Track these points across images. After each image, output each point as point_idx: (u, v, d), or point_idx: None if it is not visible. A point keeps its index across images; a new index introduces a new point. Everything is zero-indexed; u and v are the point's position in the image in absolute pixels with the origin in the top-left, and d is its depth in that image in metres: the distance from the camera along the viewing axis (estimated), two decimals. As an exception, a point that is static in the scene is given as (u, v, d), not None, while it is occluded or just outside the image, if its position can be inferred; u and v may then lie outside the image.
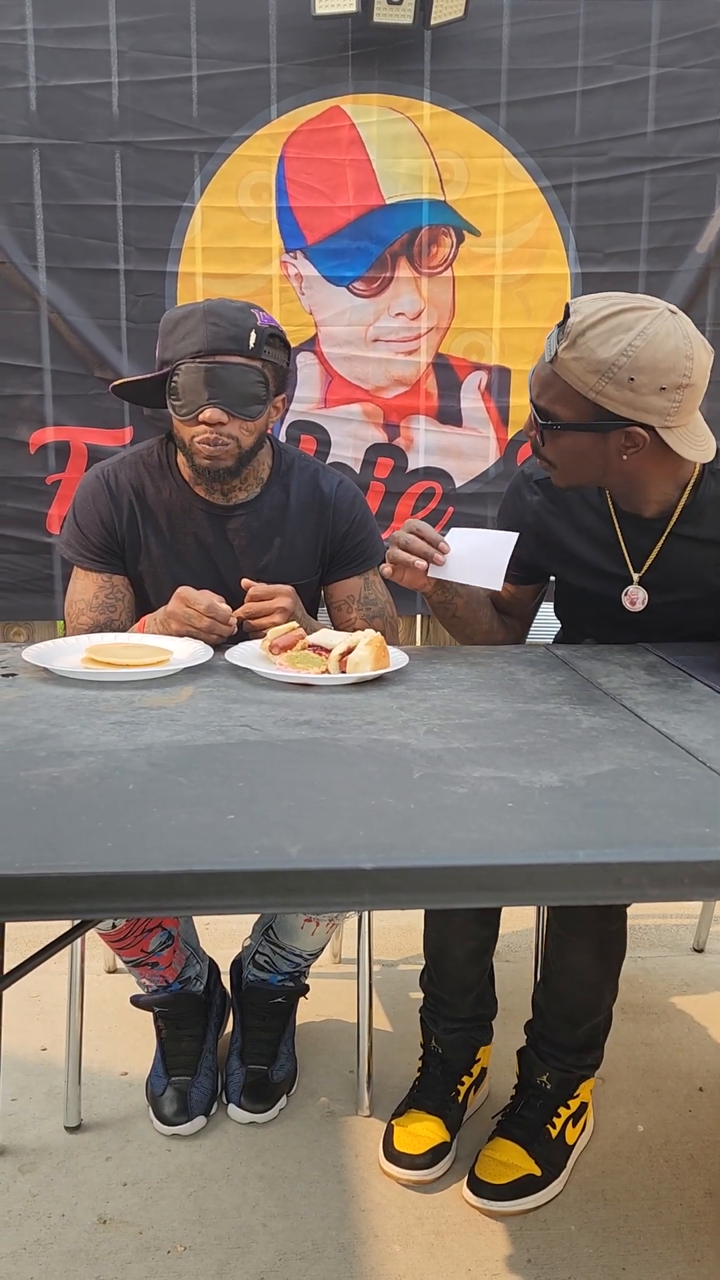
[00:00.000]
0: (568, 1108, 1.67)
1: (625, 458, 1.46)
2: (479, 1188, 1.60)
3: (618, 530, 1.63)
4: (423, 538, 1.58)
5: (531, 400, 1.51)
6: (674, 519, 1.58)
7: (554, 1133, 1.65)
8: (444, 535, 1.60)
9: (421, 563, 1.57)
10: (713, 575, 1.60)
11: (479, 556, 1.57)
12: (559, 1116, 1.66)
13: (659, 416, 1.41)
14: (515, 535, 1.58)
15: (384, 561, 1.63)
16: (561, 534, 1.69)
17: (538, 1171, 1.61)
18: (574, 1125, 1.68)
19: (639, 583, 1.62)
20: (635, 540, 1.62)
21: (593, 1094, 1.76)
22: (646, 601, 1.63)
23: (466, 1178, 1.62)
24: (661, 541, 1.59)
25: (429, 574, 1.58)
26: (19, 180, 2.52)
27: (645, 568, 1.61)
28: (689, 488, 1.57)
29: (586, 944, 1.62)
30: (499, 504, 2.73)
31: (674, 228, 2.64)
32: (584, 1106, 1.71)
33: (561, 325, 1.42)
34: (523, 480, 1.74)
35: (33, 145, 2.51)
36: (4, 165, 2.51)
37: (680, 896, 0.86)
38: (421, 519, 2.71)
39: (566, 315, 1.42)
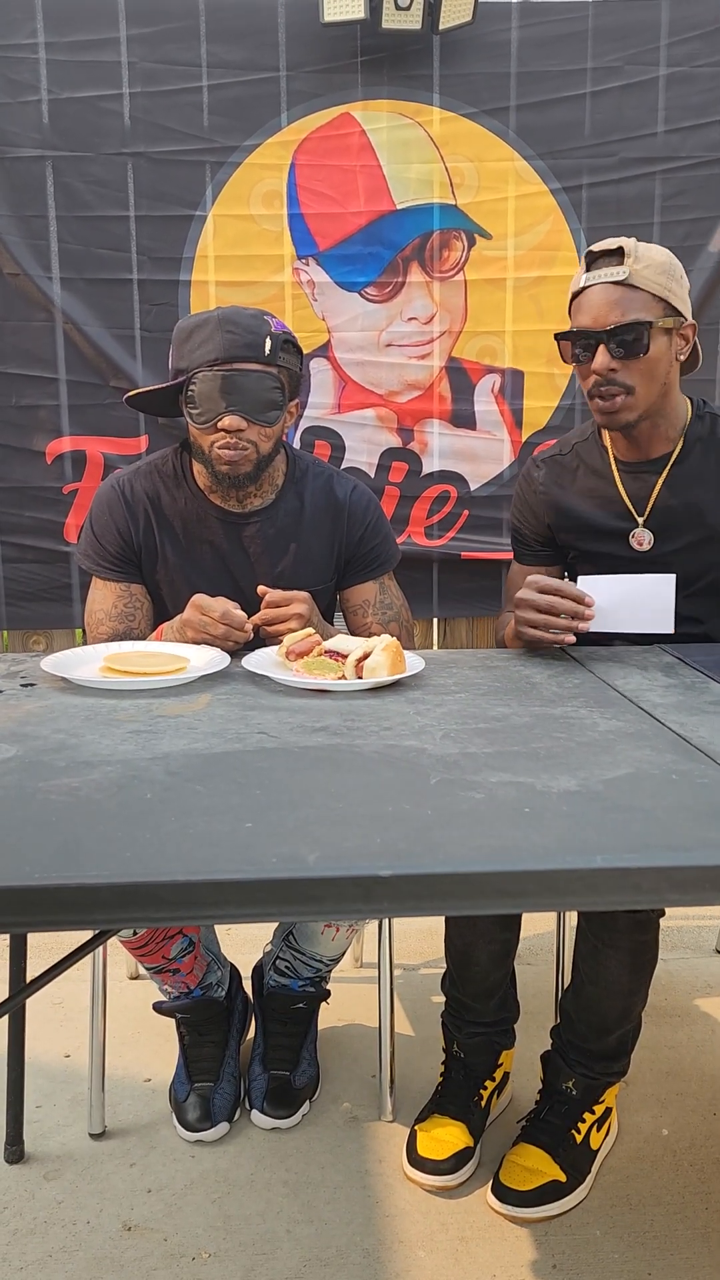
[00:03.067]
0: (592, 1113, 1.67)
1: (679, 359, 1.66)
2: (504, 1194, 1.59)
3: (618, 483, 1.74)
4: (565, 595, 1.54)
5: (606, 330, 1.59)
6: (672, 459, 1.71)
7: (579, 1138, 1.64)
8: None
9: (570, 637, 1.54)
10: (708, 513, 1.71)
11: (635, 600, 1.57)
12: (584, 1122, 1.66)
13: (690, 314, 1.65)
14: (673, 577, 1.57)
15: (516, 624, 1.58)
16: (568, 501, 1.80)
17: (563, 1177, 1.60)
18: (599, 1130, 1.68)
19: (644, 525, 1.73)
20: (635, 490, 1.74)
21: (617, 1098, 1.75)
22: (653, 541, 1.72)
23: (491, 1184, 1.62)
24: (659, 483, 1.71)
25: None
26: (33, 193, 2.54)
27: (647, 512, 1.73)
28: (684, 428, 1.72)
29: (621, 955, 1.61)
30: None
31: (686, 227, 2.63)
32: (609, 1111, 1.71)
33: (594, 264, 1.61)
34: (530, 464, 1.88)
35: (45, 158, 2.53)
36: (18, 178, 2.53)
37: (700, 901, 0.85)
38: (437, 522, 2.74)
39: (598, 254, 1.61)
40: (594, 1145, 1.67)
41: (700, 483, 1.71)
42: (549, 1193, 1.59)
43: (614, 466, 1.75)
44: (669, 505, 1.72)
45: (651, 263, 1.59)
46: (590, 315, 1.61)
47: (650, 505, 1.72)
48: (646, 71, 2.57)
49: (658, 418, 1.69)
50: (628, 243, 1.59)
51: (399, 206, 2.60)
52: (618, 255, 1.59)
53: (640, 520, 1.73)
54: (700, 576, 1.73)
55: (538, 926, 2.42)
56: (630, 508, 1.73)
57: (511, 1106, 1.82)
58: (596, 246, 1.62)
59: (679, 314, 1.62)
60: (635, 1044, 1.70)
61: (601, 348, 1.60)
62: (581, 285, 1.63)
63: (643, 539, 1.72)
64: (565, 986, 1.73)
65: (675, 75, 2.57)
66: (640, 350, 1.59)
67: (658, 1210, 1.60)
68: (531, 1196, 1.58)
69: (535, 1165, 1.61)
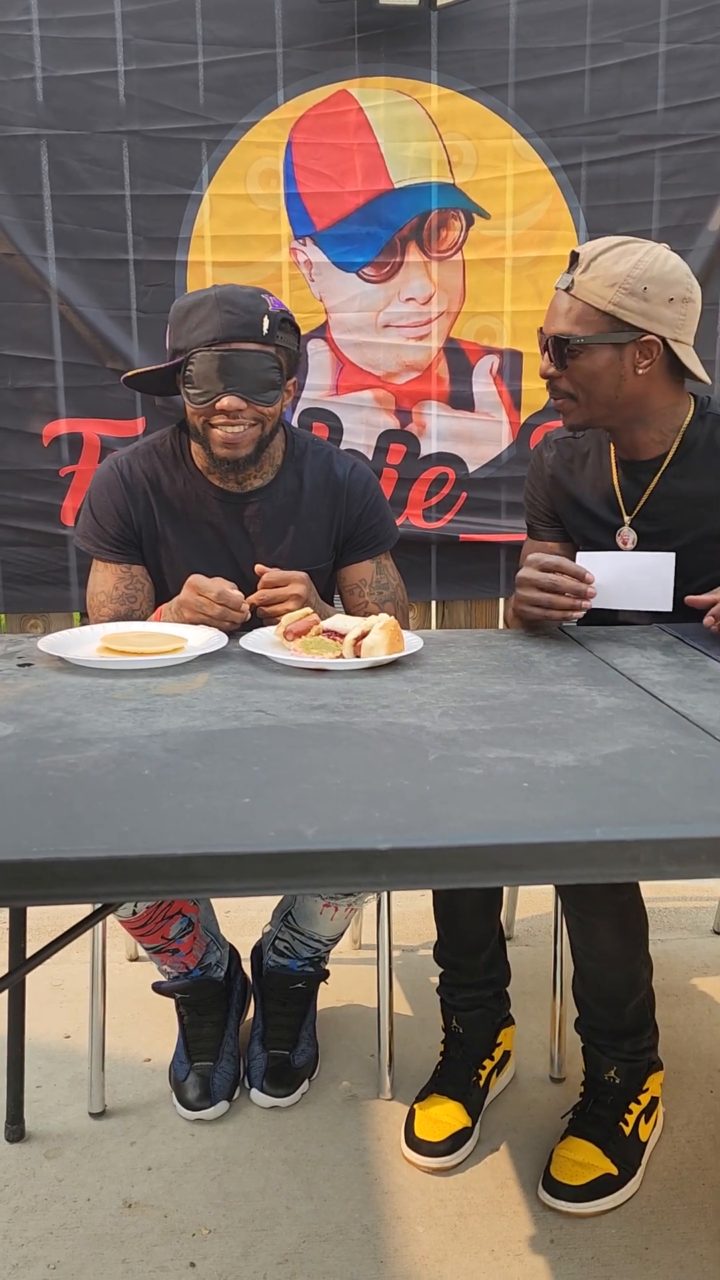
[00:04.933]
0: (638, 1103, 1.65)
1: (640, 373, 1.59)
2: (556, 1189, 1.56)
3: (614, 477, 1.72)
4: (567, 573, 1.53)
5: (546, 336, 1.61)
6: (666, 462, 1.68)
7: (627, 1130, 1.62)
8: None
9: (576, 615, 1.55)
10: (700, 518, 1.67)
11: (634, 577, 1.57)
12: (630, 1113, 1.64)
13: (670, 328, 1.57)
14: (672, 556, 1.56)
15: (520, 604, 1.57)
16: (571, 485, 1.80)
17: (614, 1170, 1.58)
18: (646, 1121, 1.66)
19: (629, 525, 1.71)
20: (629, 488, 1.72)
21: (662, 1087, 1.73)
22: (636, 541, 1.71)
23: (541, 1178, 1.59)
24: (652, 485, 1.68)
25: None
26: (28, 172, 2.52)
27: (636, 512, 1.71)
28: (681, 431, 1.67)
29: (605, 921, 1.60)
30: (513, 488, 2.74)
31: (685, 206, 2.61)
32: (655, 1102, 1.69)
33: (569, 265, 1.59)
34: (543, 443, 1.88)
35: (40, 136, 2.50)
36: (12, 157, 2.51)
37: (697, 874, 0.85)
38: (435, 504, 2.73)
39: (572, 256, 1.59)
40: (643, 1137, 1.64)
41: (696, 486, 1.67)
42: (602, 1187, 1.56)
43: (613, 460, 1.74)
44: (659, 508, 1.69)
45: (603, 274, 1.54)
46: (546, 317, 1.63)
47: (640, 505, 1.70)
48: (646, 48, 2.55)
49: (633, 425, 1.65)
50: (590, 249, 1.57)
51: (397, 185, 2.58)
52: (574, 261, 1.58)
53: (626, 519, 1.71)
54: (694, 579, 1.68)
55: (535, 908, 2.43)
56: (621, 505, 1.72)
57: (515, 1086, 1.84)
58: (579, 245, 1.63)
59: (631, 329, 1.55)
60: (654, 1011, 1.68)
61: (546, 353, 1.62)
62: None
63: (626, 538, 1.72)
64: (566, 968, 1.73)
65: (675, 52, 2.55)
66: (562, 364, 1.59)
67: (654, 1186, 1.61)
68: (584, 1191, 1.56)
69: (586, 1159, 1.59)
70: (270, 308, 1.65)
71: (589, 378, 1.59)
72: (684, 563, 1.65)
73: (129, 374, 1.77)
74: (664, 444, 1.68)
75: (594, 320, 1.56)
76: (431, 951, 1.80)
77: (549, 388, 1.65)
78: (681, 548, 1.66)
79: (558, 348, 1.59)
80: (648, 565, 1.58)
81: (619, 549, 1.72)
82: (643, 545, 1.70)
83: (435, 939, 1.79)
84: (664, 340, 1.57)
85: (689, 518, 1.67)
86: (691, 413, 1.67)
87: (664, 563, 1.58)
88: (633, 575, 1.58)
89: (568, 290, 1.58)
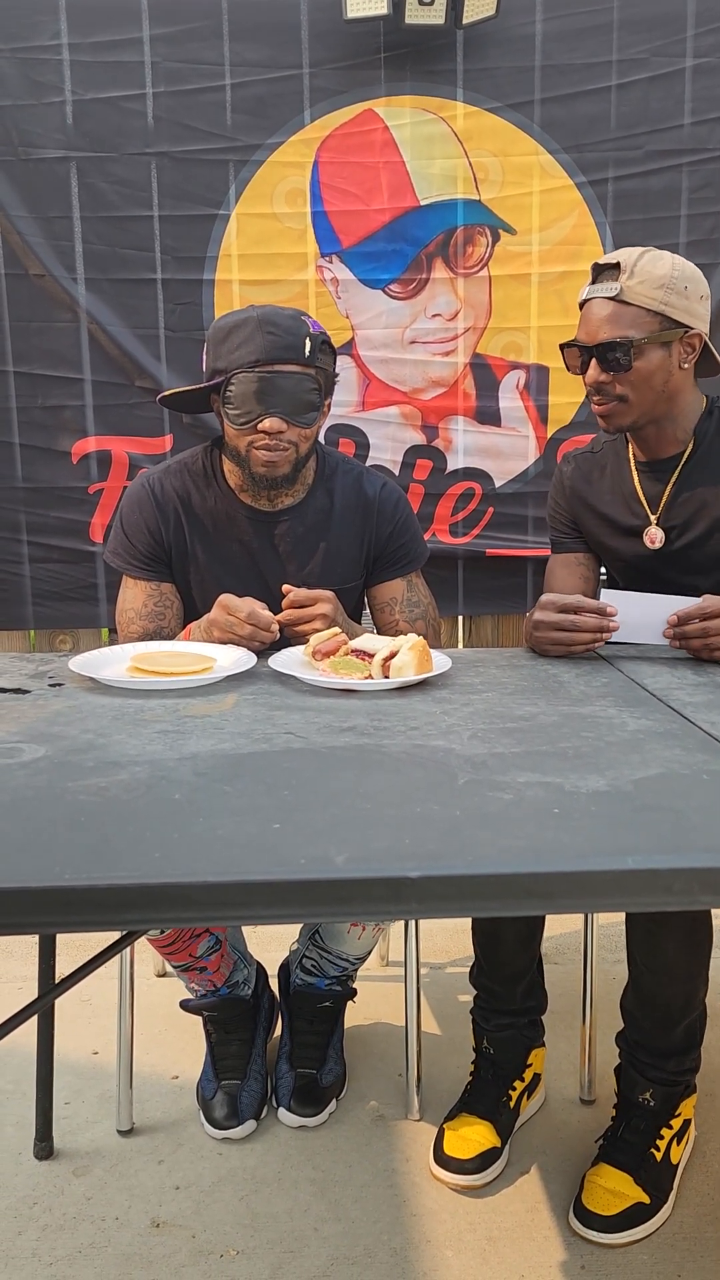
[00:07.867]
0: (670, 1127, 1.62)
1: (684, 368, 1.66)
2: (588, 1219, 1.55)
3: (635, 480, 1.78)
4: (586, 611, 1.58)
5: (595, 346, 1.64)
6: (684, 459, 1.73)
7: (659, 1155, 1.60)
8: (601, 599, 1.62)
9: (598, 643, 1.60)
10: (717, 505, 1.72)
11: (658, 618, 1.57)
12: (662, 1138, 1.61)
13: (703, 323, 1.66)
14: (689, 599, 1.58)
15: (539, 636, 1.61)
16: (590, 496, 1.85)
17: (646, 1199, 1.56)
18: (678, 1143, 1.63)
19: (656, 524, 1.75)
20: (651, 488, 1.77)
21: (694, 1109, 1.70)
22: (664, 540, 1.75)
23: (572, 1206, 1.57)
24: (672, 481, 1.74)
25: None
26: (57, 194, 2.55)
27: (660, 510, 1.75)
28: (693, 429, 1.73)
29: (677, 934, 1.58)
30: (539, 503, 2.73)
31: (713, 219, 2.60)
32: (687, 1124, 1.66)
33: (597, 278, 1.65)
34: (563, 460, 1.94)
35: (70, 158, 2.54)
36: (43, 179, 2.54)
37: (732, 903, 0.84)
38: (461, 520, 2.73)
39: (600, 268, 1.65)
40: (674, 1160, 1.62)
41: (711, 477, 1.72)
42: (635, 1216, 1.54)
43: (633, 465, 1.79)
44: (681, 503, 1.74)
45: (648, 277, 1.61)
46: (584, 330, 1.67)
47: (663, 503, 1.75)
48: (673, 63, 2.54)
49: (664, 421, 1.71)
50: (626, 257, 1.62)
51: (423, 202, 2.59)
52: (614, 270, 1.63)
53: (653, 519, 1.75)
54: (713, 568, 1.75)
55: (565, 925, 2.41)
56: (645, 506, 1.76)
57: (546, 1108, 1.82)
58: (602, 259, 1.66)
59: (680, 325, 1.62)
60: (704, 1035, 1.65)
61: (593, 362, 1.65)
62: (582, 298, 1.68)
63: (655, 537, 1.75)
64: (596, 989, 1.72)
65: (702, 66, 2.55)
66: (626, 366, 1.63)
67: (687, 1211, 1.59)
68: (617, 1221, 1.54)
69: (617, 1187, 1.57)
70: (311, 329, 1.66)
71: (645, 377, 1.64)
72: (706, 550, 1.72)
73: (165, 393, 1.79)
74: (682, 442, 1.73)
75: (646, 321, 1.62)
76: (459, 968, 1.79)
77: (596, 392, 1.67)
78: (702, 536, 1.72)
79: (612, 352, 1.62)
80: (674, 606, 1.56)
81: (646, 549, 1.76)
82: (669, 542, 1.75)
83: (462, 954, 1.78)
84: (701, 334, 1.65)
85: (708, 507, 1.72)
86: (703, 409, 1.74)
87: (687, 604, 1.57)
88: (657, 615, 1.57)
89: (615, 298, 1.62)
